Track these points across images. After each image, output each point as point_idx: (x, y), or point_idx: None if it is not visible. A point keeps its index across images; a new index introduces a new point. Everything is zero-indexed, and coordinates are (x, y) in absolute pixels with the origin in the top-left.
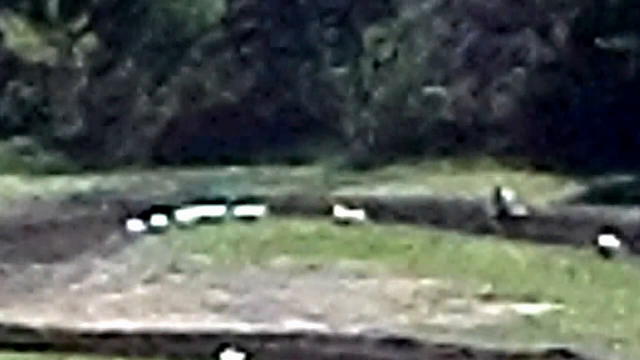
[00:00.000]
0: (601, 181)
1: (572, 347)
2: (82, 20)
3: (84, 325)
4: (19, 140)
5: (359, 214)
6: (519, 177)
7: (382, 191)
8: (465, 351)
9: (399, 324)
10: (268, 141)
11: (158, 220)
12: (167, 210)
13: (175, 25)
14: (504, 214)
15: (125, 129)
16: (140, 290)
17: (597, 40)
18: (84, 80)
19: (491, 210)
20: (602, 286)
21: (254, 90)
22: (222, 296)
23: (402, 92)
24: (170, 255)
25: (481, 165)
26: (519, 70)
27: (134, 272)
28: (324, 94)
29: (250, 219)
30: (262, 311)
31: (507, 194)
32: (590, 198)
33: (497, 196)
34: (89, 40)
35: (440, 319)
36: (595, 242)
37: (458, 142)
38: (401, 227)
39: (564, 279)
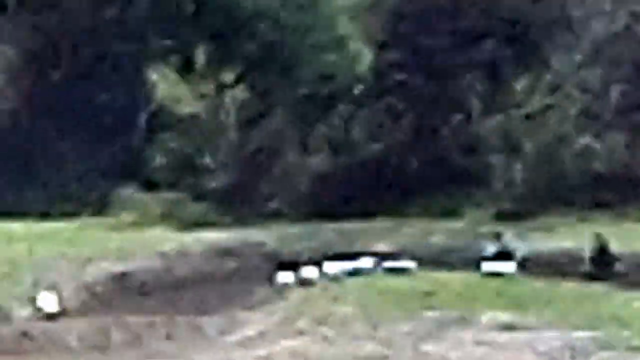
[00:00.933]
0: None
1: None
2: (232, 72)
3: None
4: (169, 192)
5: (508, 266)
6: None
7: (532, 243)
8: None
9: None
10: (417, 193)
11: (308, 272)
12: (317, 262)
13: (325, 76)
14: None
15: (275, 181)
16: (289, 343)
17: None
18: (234, 132)
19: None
20: None
21: (402, 142)
22: (371, 348)
23: (553, 144)
24: (319, 307)
25: (633, 217)
26: None
27: (283, 325)
28: (473, 146)
29: (399, 271)
30: None
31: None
32: None
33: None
34: (239, 91)
35: None
36: None
37: (610, 194)
38: (551, 279)
39: None
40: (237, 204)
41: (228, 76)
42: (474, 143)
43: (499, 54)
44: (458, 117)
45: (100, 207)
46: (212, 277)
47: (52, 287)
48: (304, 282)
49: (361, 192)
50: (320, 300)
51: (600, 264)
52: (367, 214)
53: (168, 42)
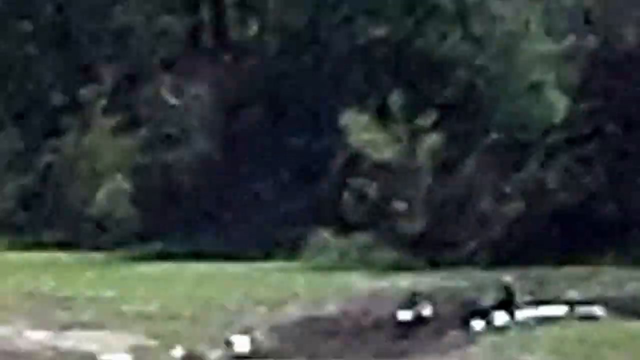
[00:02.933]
0: None
1: None
2: (428, 117)
3: None
4: (362, 237)
5: None
6: None
7: None
8: None
9: None
10: (610, 241)
11: (500, 319)
12: (509, 310)
13: (520, 124)
14: None
15: (468, 228)
16: None
17: None
18: (428, 177)
19: None
20: None
21: (596, 191)
22: None
23: None
24: (510, 355)
25: None
26: None
27: None
28: None
29: (591, 319)
30: None
31: None
32: None
33: None
34: (434, 136)
35: None
36: None
37: None
38: None
39: None
40: (431, 249)
41: (423, 121)
42: None
43: None
44: None
45: (294, 250)
46: (406, 321)
47: (245, 330)
48: (496, 329)
49: (554, 239)
50: (511, 347)
51: None
52: (559, 262)
53: (364, 87)
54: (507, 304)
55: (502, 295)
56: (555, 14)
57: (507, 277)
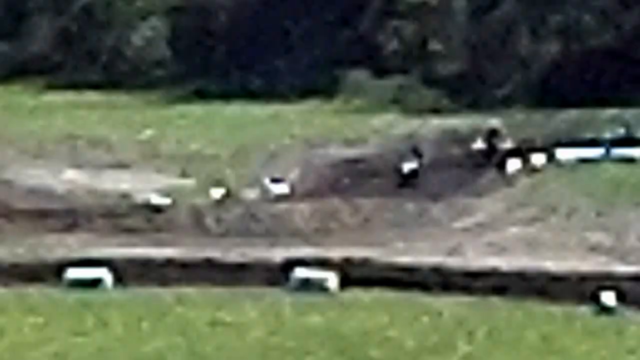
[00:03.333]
0: None
1: None
2: None
3: (460, 263)
4: (400, 78)
5: None
6: None
7: None
8: None
9: None
10: None
11: (536, 160)
12: (545, 150)
13: None
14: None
15: (506, 69)
16: (517, 230)
17: None
18: (464, 19)
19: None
20: None
21: (634, 32)
22: (599, 238)
23: None
24: (547, 195)
25: None
26: None
27: (511, 212)
28: None
29: (628, 160)
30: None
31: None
32: None
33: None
34: None
35: None
36: None
37: None
38: None
39: None
40: (468, 90)
41: None
42: None
43: None
44: None
45: (331, 92)
46: (440, 163)
47: (282, 170)
48: (532, 170)
49: (591, 81)
50: (548, 187)
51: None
52: (597, 103)
53: None
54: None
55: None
56: None
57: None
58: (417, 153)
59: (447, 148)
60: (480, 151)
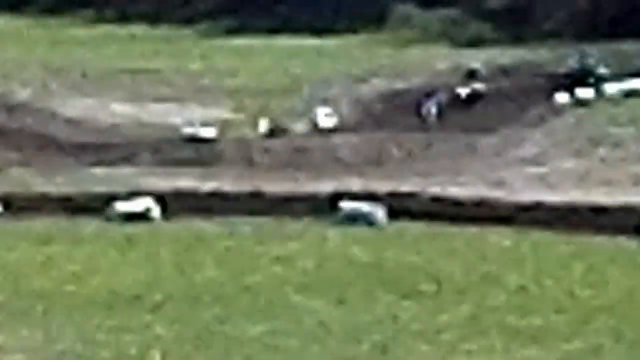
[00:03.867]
0: None
1: None
2: None
3: (507, 196)
4: (448, 11)
5: None
6: None
7: None
8: None
9: None
10: None
11: (584, 92)
12: (594, 83)
13: None
14: None
15: (553, 1)
16: (564, 163)
17: None
18: None
19: None
20: None
21: None
22: None
23: None
24: (595, 128)
25: None
26: None
27: (559, 145)
28: None
29: None
30: None
31: None
32: None
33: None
34: None
35: None
36: None
37: None
38: None
39: None
40: (516, 23)
41: None
42: None
43: None
44: None
45: (378, 24)
46: (488, 95)
47: (329, 103)
48: (580, 102)
49: (638, 11)
50: (596, 120)
51: None
52: None
53: None
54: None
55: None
56: None
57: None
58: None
59: (494, 81)
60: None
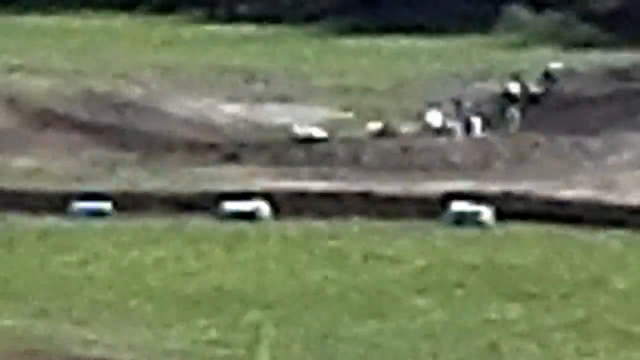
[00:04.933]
0: None
1: None
2: None
3: (618, 199)
4: (558, 13)
5: None
6: None
7: None
8: None
9: None
10: None
11: None
12: None
13: None
14: None
15: None
16: None
17: None
18: None
19: None
20: None
21: None
22: None
23: None
24: None
25: None
26: None
27: None
28: None
29: None
30: None
31: None
32: None
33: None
34: None
35: None
36: None
37: None
38: None
39: None
40: (626, 26)
41: None
42: None
43: None
44: None
45: (489, 26)
46: (596, 97)
47: (438, 104)
48: None
49: None
50: None
51: None
52: None
53: None
54: None
55: None
56: None
57: None
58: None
59: (604, 83)
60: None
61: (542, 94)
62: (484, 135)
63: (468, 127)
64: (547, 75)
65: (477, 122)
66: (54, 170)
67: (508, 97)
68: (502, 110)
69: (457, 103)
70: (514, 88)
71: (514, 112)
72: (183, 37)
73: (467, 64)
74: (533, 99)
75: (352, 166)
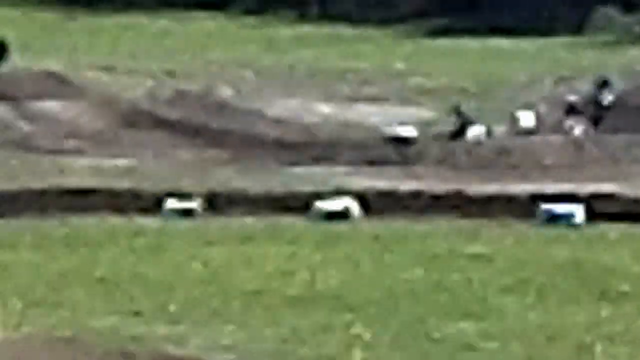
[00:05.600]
0: None
1: None
2: None
3: None
4: None
5: None
6: None
7: None
8: None
9: None
10: None
11: None
12: None
13: None
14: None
15: None
16: None
17: None
18: None
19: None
20: None
21: None
22: None
23: None
24: None
25: None
26: None
27: None
28: None
29: None
30: None
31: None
32: None
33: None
34: None
35: None
36: None
37: None
38: None
39: None
40: None
41: None
42: None
43: None
44: None
45: (579, 27)
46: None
47: (529, 104)
48: None
49: None
50: None
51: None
52: None
53: None
54: None
55: None
56: None
57: None
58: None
59: None
60: None
61: (610, 103)
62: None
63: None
64: (605, 83)
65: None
66: (147, 170)
67: (570, 108)
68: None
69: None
70: (575, 98)
71: (572, 123)
72: (275, 37)
73: (558, 65)
74: (599, 106)
75: (443, 166)
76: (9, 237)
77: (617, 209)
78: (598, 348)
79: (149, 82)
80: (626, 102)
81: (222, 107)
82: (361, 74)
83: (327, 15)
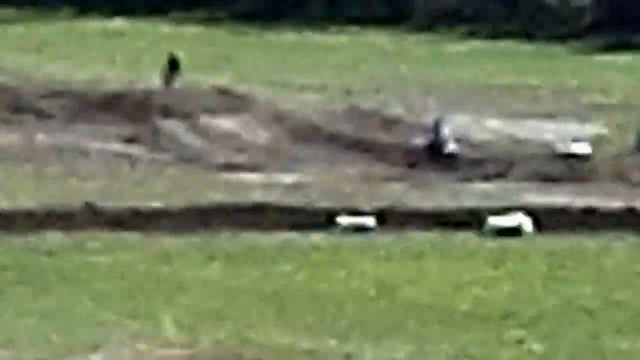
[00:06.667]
0: None
1: None
2: None
3: None
4: None
5: None
6: None
7: None
8: None
9: None
10: None
11: None
12: None
13: None
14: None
15: None
16: None
17: None
18: None
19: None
20: None
21: None
22: None
23: None
24: None
25: None
26: None
27: None
28: None
29: None
30: None
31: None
32: None
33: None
34: None
35: None
36: None
37: None
38: None
39: None
40: None
41: None
42: None
43: None
44: None
45: None
46: None
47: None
48: None
49: None
50: None
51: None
52: None
53: None
54: None
55: None
56: None
57: None
58: None
59: None
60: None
61: None
62: None
63: None
64: None
65: None
66: (319, 186)
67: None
68: None
69: None
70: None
71: None
72: (446, 53)
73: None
74: None
75: (616, 182)
76: (177, 253)
77: None
78: None
79: (322, 98)
80: None
81: (394, 122)
82: (533, 90)
83: (498, 32)
